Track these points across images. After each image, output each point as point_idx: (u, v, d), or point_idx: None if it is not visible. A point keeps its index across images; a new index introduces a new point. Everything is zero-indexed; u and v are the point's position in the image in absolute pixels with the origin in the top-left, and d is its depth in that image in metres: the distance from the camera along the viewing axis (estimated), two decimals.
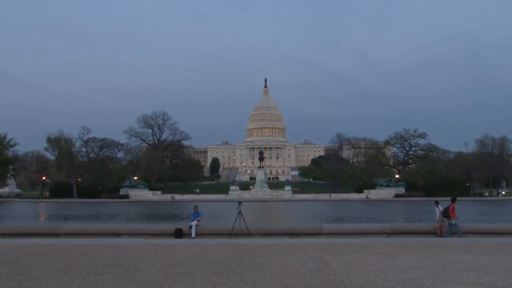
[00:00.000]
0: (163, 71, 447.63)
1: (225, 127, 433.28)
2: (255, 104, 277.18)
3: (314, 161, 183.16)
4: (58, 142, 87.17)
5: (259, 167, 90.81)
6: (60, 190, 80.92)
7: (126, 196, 74.84)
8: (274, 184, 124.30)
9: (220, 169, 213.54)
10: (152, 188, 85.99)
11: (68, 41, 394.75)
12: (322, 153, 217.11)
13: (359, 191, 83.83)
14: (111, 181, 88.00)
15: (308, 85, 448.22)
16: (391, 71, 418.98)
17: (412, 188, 79.54)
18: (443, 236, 13.99)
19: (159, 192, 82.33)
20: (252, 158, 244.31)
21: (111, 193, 77.58)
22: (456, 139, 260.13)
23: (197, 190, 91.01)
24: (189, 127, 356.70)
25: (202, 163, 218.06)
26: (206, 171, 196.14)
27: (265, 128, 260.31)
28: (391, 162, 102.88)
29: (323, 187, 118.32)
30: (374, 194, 75.28)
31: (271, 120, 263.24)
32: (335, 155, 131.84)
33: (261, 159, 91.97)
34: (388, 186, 77.99)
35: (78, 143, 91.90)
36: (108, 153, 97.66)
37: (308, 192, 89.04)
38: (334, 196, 77.23)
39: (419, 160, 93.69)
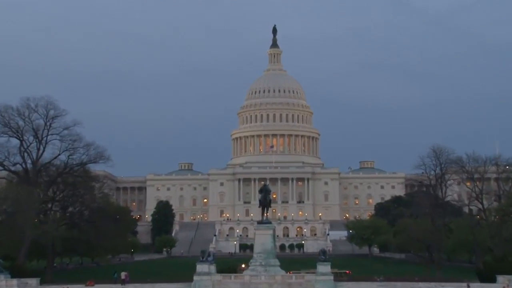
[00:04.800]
0: (51, 12, 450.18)
1: (188, 135, 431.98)
2: (252, 84, 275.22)
3: (382, 208, 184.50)
4: None
5: (260, 223, 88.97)
6: None
7: None
8: (295, 259, 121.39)
9: (175, 227, 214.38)
10: (18, 272, 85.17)
11: None
12: (401, 192, 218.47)
13: (487, 277, 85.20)
14: None
15: (366, 43, 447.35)
16: None
17: None
18: None
19: (34, 281, 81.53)
20: (245, 203, 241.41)
21: None
22: None
23: (123, 274, 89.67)
24: (108, 135, 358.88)
25: (135, 214, 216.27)
26: (144, 231, 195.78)
27: (274, 134, 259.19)
28: None
29: (404, 267, 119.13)
30: None
31: (286, 119, 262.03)
32: (430, 195, 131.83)
33: (265, 204, 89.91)
34: None
35: None
36: None
37: (372, 279, 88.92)
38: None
39: None
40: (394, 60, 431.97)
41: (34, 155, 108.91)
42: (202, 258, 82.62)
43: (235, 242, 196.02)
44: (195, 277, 79.62)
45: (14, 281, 77.32)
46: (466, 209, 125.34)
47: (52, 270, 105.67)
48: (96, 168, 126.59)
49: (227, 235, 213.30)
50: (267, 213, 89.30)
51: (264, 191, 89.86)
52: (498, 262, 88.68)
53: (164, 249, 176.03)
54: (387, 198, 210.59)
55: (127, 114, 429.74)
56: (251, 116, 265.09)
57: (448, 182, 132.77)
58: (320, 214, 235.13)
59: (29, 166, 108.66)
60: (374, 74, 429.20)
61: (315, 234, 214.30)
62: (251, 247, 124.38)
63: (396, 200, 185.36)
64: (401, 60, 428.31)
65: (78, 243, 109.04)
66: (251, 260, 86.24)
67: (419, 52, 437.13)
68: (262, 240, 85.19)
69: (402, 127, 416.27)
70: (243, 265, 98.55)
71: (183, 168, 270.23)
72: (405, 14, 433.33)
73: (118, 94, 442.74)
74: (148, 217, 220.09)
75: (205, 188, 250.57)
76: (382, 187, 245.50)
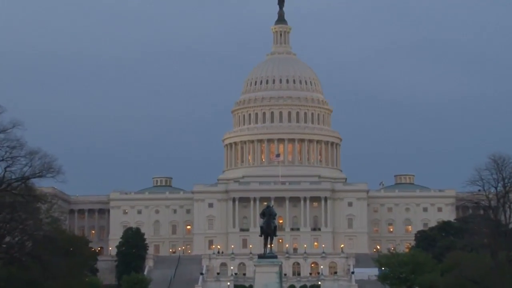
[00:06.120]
0: None
1: (166, 142, 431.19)
2: (251, 72, 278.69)
3: (425, 238, 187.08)
4: None
5: (262, 257, 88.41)
6: None
7: None
8: None
9: (149, 263, 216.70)
10: None
11: None
12: (450, 216, 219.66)
13: None
14: None
15: (401, 18, 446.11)
16: None
17: None
18: None
19: None
20: (242, 230, 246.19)
21: None
22: None
23: None
24: (59, 140, 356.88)
25: (94, 245, 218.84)
26: (107, 268, 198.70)
27: (281, 139, 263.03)
28: None
29: None
30: None
31: (297, 119, 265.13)
32: (489, 220, 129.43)
33: (269, 232, 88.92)
34: None
35: None
36: None
37: None
38: None
39: None
40: (439, 40, 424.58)
41: None
42: None
43: (228, 283, 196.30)
44: None
45: None
46: None
47: None
48: (43, 184, 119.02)
49: (218, 273, 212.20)
50: (271, 244, 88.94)
51: (268, 215, 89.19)
52: None
53: None
54: (432, 224, 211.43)
55: (84, 114, 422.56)
56: (249, 114, 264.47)
57: None
58: (342, 246, 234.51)
59: None
60: (411, 59, 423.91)
61: (336, 272, 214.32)
62: None
63: (444, 226, 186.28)
64: (449, 40, 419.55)
65: (18, 283, 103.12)
66: None
67: (474, 29, 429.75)
68: (265, 280, 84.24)
69: (451, 129, 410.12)
70: None
71: (159, 184, 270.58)
72: None
73: (72, 86, 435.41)
74: (112, 249, 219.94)
75: (188, 211, 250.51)
76: (425, 209, 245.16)
